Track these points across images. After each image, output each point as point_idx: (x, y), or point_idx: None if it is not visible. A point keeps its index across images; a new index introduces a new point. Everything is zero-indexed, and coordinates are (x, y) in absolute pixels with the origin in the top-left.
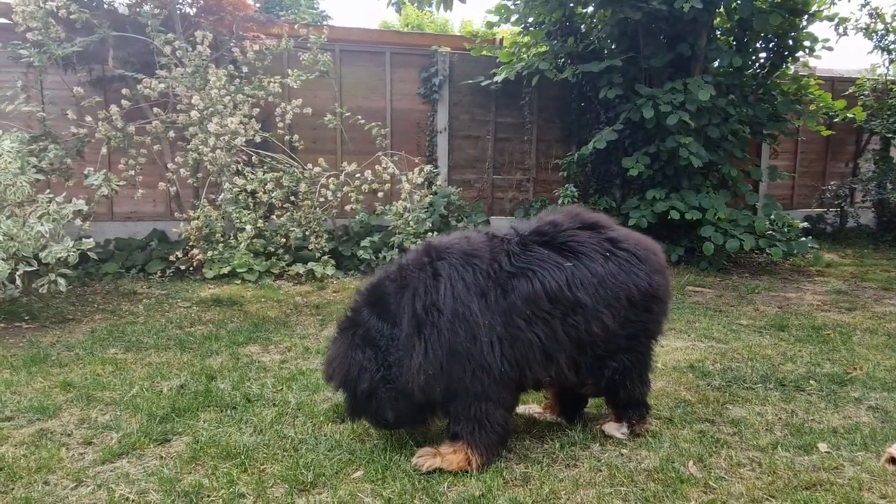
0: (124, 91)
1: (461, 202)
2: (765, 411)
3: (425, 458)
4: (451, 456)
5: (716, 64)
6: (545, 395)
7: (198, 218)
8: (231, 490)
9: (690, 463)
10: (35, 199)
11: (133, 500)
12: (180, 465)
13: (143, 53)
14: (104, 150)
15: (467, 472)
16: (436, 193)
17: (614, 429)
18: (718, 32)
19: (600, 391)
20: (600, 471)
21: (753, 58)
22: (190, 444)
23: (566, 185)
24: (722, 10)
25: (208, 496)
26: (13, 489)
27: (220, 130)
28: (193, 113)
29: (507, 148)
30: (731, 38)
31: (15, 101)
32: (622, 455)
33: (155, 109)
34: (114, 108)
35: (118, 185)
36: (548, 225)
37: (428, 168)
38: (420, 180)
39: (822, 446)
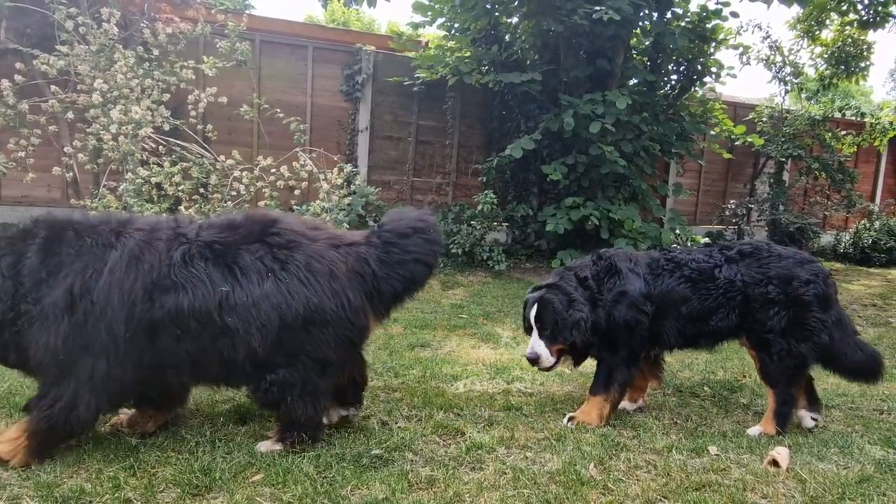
0: (18, 65)
1: (380, 203)
2: (662, 416)
3: None
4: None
5: (632, 82)
6: None
7: (95, 208)
8: (116, 495)
9: (591, 465)
10: None
11: None
12: (60, 468)
13: (42, 26)
14: None
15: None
16: (354, 193)
17: (267, 445)
18: (635, 52)
19: (263, 404)
20: (505, 473)
21: (665, 79)
22: (73, 447)
23: (485, 191)
24: (638, 30)
25: (90, 502)
26: None
27: (123, 119)
28: (96, 96)
29: (429, 151)
30: (646, 59)
31: None
32: (527, 458)
33: (53, 88)
34: (4, 83)
35: (6, 167)
36: (227, 230)
37: (348, 168)
38: (340, 181)
39: (713, 449)
